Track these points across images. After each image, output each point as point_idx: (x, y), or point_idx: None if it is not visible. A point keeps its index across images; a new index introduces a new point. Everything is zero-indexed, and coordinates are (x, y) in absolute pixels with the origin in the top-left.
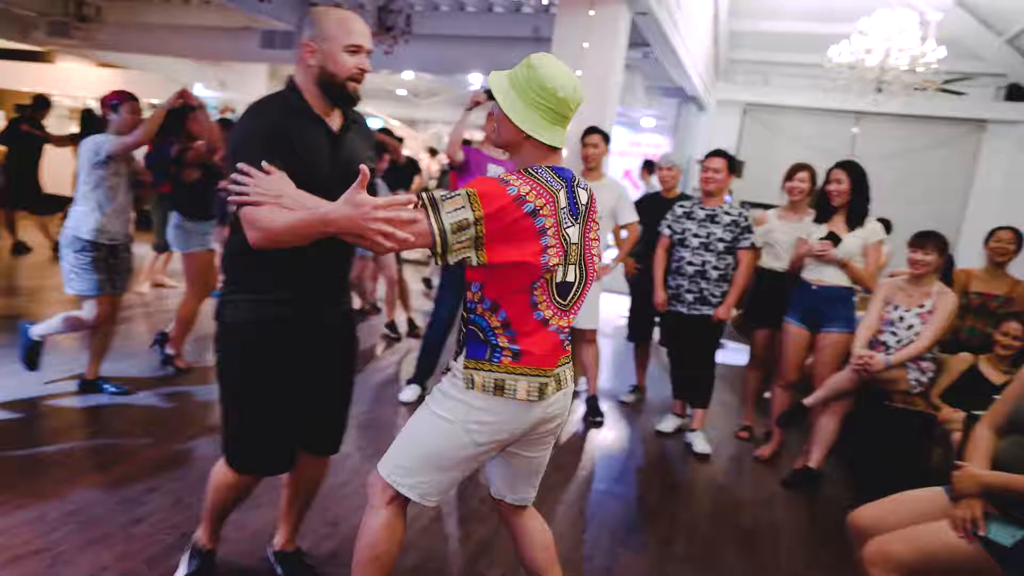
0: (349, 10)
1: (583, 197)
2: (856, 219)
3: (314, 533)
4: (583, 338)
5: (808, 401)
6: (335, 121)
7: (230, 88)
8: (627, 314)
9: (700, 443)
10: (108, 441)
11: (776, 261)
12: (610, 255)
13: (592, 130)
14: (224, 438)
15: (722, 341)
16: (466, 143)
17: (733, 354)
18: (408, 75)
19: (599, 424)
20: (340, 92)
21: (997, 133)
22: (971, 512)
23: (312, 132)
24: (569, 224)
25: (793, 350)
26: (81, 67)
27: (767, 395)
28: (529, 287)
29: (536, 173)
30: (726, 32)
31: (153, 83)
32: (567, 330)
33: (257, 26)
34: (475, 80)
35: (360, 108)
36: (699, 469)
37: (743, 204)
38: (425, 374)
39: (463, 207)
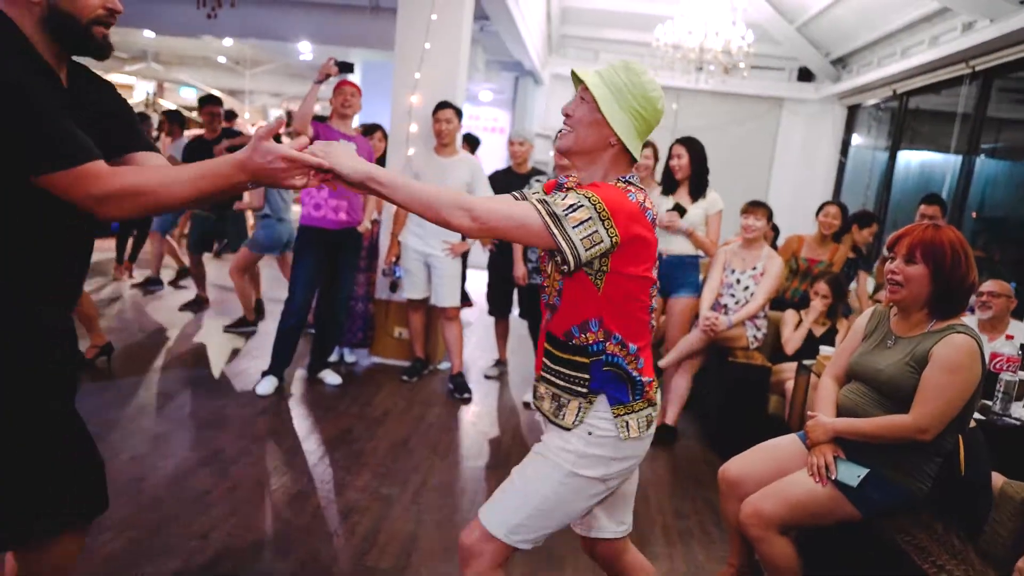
0: None
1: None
2: (698, 191)
3: (183, 548)
4: (444, 315)
5: (662, 363)
6: (61, 76)
7: None
8: (486, 289)
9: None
10: None
11: None
12: None
13: (444, 104)
14: None
15: None
16: (316, 119)
17: None
18: (228, 42)
19: (467, 401)
20: (82, 40)
21: (792, 110)
22: (823, 458)
23: (55, 92)
24: None
25: None
26: None
27: None
28: (647, 306)
29: (631, 181)
30: (558, 8)
31: None
32: None
33: None
34: (304, 49)
35: (176, 76)
36: None
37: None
38: (282, 364)
39: (590, 216)
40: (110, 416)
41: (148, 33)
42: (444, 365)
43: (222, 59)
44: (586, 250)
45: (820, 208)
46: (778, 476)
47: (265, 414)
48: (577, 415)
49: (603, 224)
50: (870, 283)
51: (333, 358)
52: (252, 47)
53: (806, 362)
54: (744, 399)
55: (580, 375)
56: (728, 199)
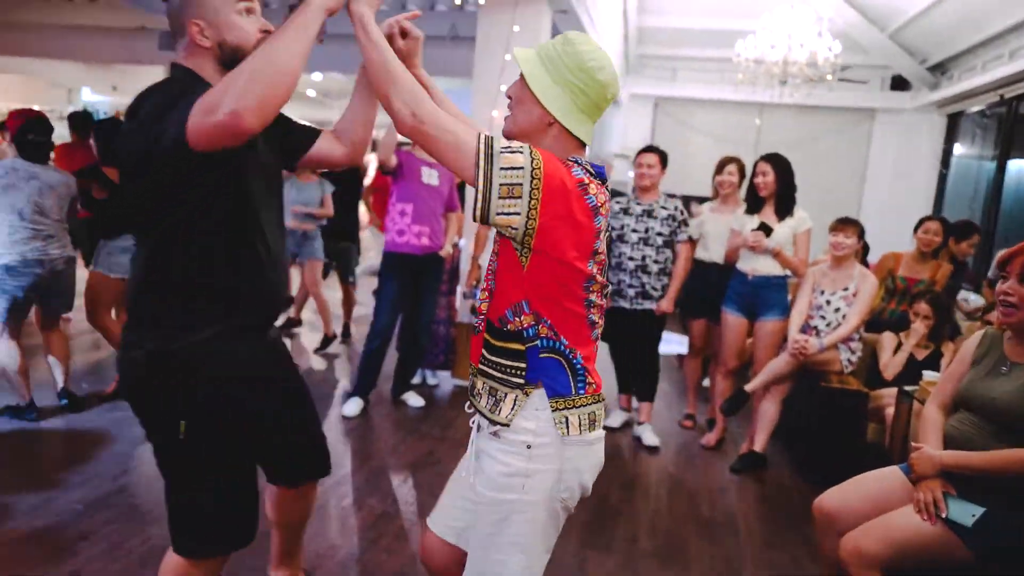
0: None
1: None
2: (785, 209)
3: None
4: None
5: (749, 387)
6: None
7: (123, 92)
8: None
9: (649, 436)
10: (30, 480)
11: (705, 252)
12: None
13: None
14: (186, 524)
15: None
16: (397, 146)
17: (668, 345)
18: (316, 76)
19: None
20: None
21: (884, 121)
22: (931, 494)
23: None
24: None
25: (732, 338)
26: None
27: (705, 383)
28: (584, 303)
29: (582, 163)
30: (635, 28)
31: (34, 88)
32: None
33: (153, 27)
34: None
35: None
36: (651, 462)
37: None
38: (367, 386)
39: (522, 168)
40: None
41: None
42: None
43: (311, 92)
44: (499, 199)
45: (919, 224)
46: (879, 511)
47: (351, 435)
48: (512, 408)
49: (531, 182)
50: (972, 299)
51: (416, 380)
52: (339, 80)
53: (908, 388)
54: (839, 426)
55: (516, 364)
56: (817, 217)
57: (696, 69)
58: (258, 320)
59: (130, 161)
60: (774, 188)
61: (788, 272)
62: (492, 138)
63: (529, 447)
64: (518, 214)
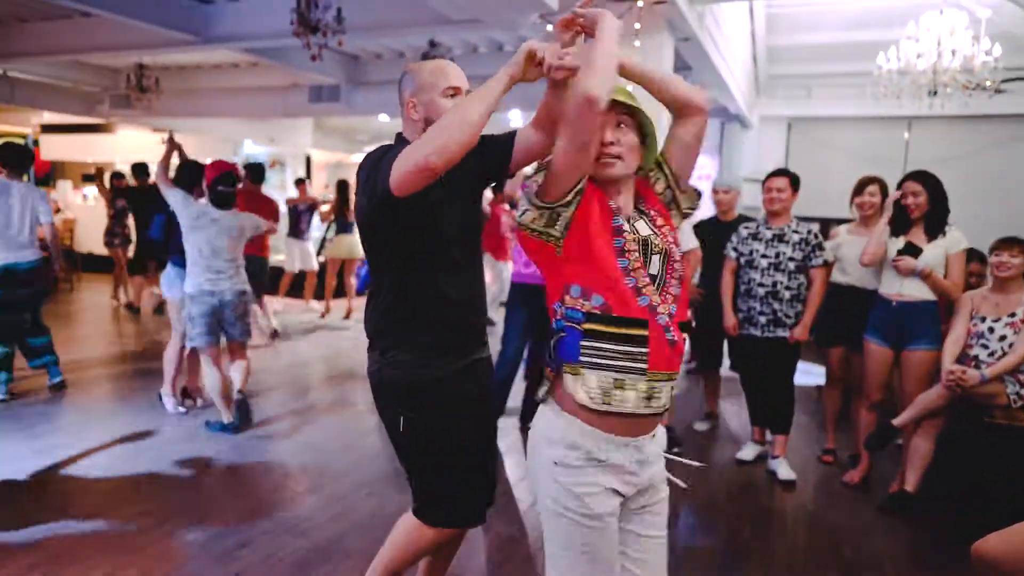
0: (385, 57)
1: None
2: (936, 229)
3: None
4: None
5: (898, 422)
6: None
7: (279, 143)
8: (690, 341)
9: (784, 470)
10: (197, 495)
11: (843, 276)
12: None
13: None
14: (427, 498)
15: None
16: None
17: (805, 375)
18: None
19: (678, 454)
20: None
21: None
22: None
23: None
24: None
25: (876, 369)
26: (139, 134)
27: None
28: None
29: None
30: (764, 48)
31: (205, 143)
32: None
33: (304, 83)
34: (514, 117)
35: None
36: (786, 498)
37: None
38: (496, 413)
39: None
40: (346, 459)
41: (383, 117)
42: None
43: None
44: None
45: None
46: None
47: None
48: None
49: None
50: None
51: None
52: None
53: None
54: (1005, 467)
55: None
56: (981, 237)
57: (832, 85)
58: (454, 346)
59: (359, 216)
60: (927, 208)
61: (941, 296)
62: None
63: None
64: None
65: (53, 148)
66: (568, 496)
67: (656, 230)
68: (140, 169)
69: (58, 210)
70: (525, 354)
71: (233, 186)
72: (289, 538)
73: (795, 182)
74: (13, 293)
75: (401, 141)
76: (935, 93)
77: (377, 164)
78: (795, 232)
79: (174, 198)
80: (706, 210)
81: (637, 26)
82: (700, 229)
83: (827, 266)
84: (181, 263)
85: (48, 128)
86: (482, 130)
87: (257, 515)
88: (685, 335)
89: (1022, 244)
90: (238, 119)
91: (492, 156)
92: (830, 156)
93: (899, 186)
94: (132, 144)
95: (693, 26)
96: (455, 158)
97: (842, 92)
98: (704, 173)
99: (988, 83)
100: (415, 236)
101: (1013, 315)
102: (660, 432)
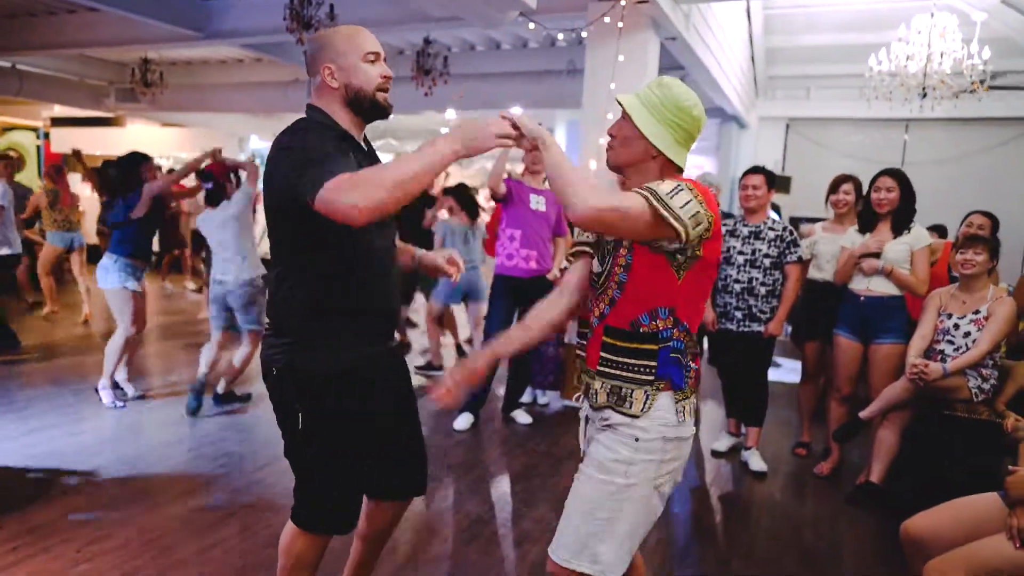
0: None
1: None
2: (901, 226)
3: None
4: None
5: (864, 414)
6: (362, 143)
7: None
8: None
9: (756, 461)
10: (183, 472)
11: (818, 272)
12: None
13: None
14: (302, 500)
15: (776, 360)
16: (508, 176)
17: (786, 371)
18: (451, 114)
19: None
20: (372, 105)
21: None
22: None
23: (357, 153)
24: None
25: (845, 363)
26: (148, 128)
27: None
28: (708, 291)
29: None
30: (762, 49)
31: (212, 138)
32: None
33: (305, 78)
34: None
35: (409, 148)
36: (757, 488)
37: (793, 220)
38: (478, 402)
39: (691, 200)
40: None
41: None
42: None
43: (444, 130)
44: (693, 228)
45: None
46: (971, 538)
47: (458, 446)
48: (645, 403)
49: (701, 206)
50: None
51: (526, 399)
52: (467, 117)
53: None
54: (967, 459)
55: (646, 363)
56: None
57: (831, 87)
58: (374, 330)
59: (274, 202)
60: (896, 204)
61: (907, 292)
62: (649, 187)
63: (637, 440)
64: (703, 224)
65: (63, 141)
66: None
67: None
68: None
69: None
70: None
71: (208, 183)
72: (268, 514)
73: (771, 180)
74: None
75: (318, 114)
76: (925, 95)
77: (300, 165)
78: (771, 229)
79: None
80: None
81: (620, 25)
82: None
83: (802, 263)
84: (121, 252)
85: (58, 121)
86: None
87: (238, 493)
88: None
89: (985, 242)
90: (243, 114)
91: None
92: (828, 157)
93: (872, 182)
94: (142, 137)
95: (678, 26)
96: (383, 214)
97: (840, 93)
98: (698, 173)
99: (975, 87)
100: (330, 224)
101: (977, 312)
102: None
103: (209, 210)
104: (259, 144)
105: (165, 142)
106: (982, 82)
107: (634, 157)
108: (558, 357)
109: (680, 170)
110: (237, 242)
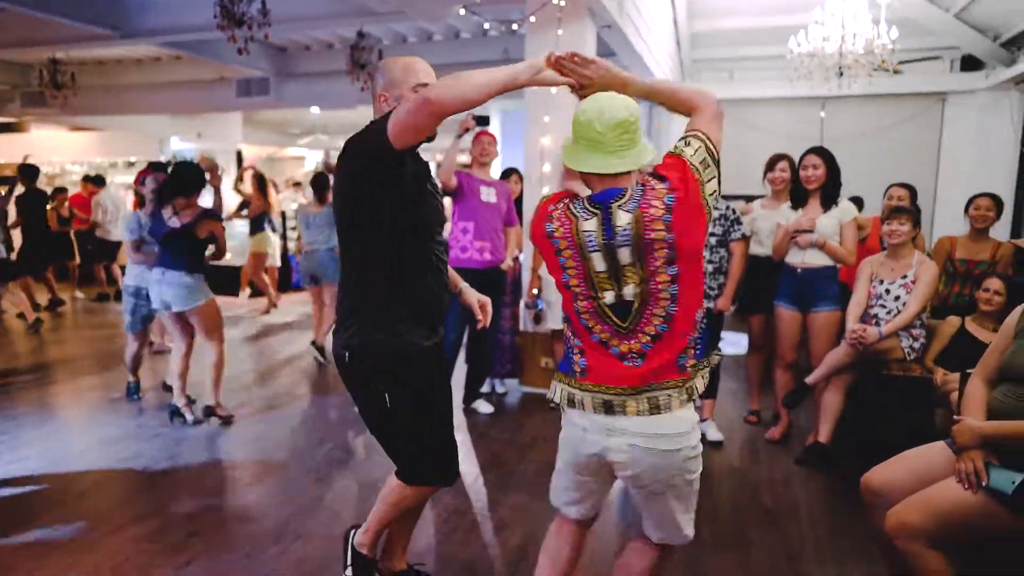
0: (314, 48)
1: (622, 219)
2: (830, 200)
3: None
4: None
5: (810, 379)
6: None
7: (207, 138)
8: None
9: (712, 432)
10: (143, 492)
11: (759, 248)
12: None
13: None
14: (410, 459)
15: (722, 334)
16: (459, 167)
17: (731, 344)
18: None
19: None
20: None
21: (957, 103)
22: (972, 464)
23: (417, 164)
24: (595, 248)
25: (787, 332)
26: (56, 133)
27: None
28: (572, 306)
29: (573, 203)
30: (687, 34)
31: (129, 141)
32: (639, 356)
33: (231, 76)
34: None
35: (340, 144)
36: (714, 456)
37: (723, 198)
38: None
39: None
40: (288, 448)
41: (315, 109)
42: None
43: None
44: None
45: (970, 202)
46: (924, 485)
47: None
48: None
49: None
50: None
51: (485, 389)
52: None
53: (971, 371)
54: (904, 414)
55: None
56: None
57: (753, 68)
58: (427, 323)
59: (344, 197)
60: (824, 180)
61: (836, 263)
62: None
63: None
64: None
65: None
66: None
67: None
68: (29, 172)
69: None
70: (465, 338)
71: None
72: (238, 525)
73: None
74: None
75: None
76: (842, 74)
77: (366, 132)
78: (715, 208)
79: None
80: None
81: (559, 14)
82: None
83: (744, 239)
84: (199, 268)
85: None
86: (485, 102)
87: (205, 507)
88: None
89: (908, 213)
90: (163, 115)
91: None
92: (753, 136)
93: (800, 160)
94: (46, 143)
95: (613, 13)
96: (448, 111)
97: (762, 75)
98: None
99: (887, 64)
100: (405, 214)
101: (905, 277)
102: None
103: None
104: (180, 146)
105: (74, 148)
106: (892, 60)
107: (571, 177)
108: (514, 345)
109: (591, 175)
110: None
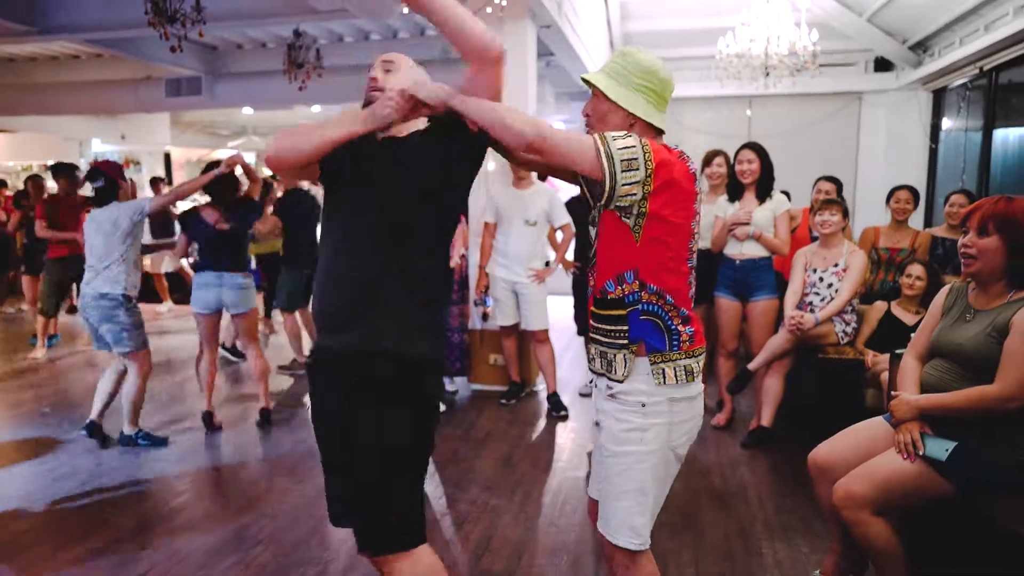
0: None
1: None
2: (764, 194)
3: (319, 559)
4: (535, 338)
5: (752, 366)
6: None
7: (131, 140)
8: (572, 311)
9: None
10: (84, 511)
11: (701, 241)
12: (550, 257)
13: None
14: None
15: None
16: None
17: None
18: (316, 108)
19: (564, 418)
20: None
21: (872, 102)
22: (909, 435)
23: (368, 147)
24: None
25: (728, 321)
26: None
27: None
28: (685, 263)
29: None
30: (620, 34)
31: (44, 144)
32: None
33: (159, 75)
34: None
35: (262, 145)
36: None
37: None
38: None
39: (634, 146)
40: (249, 456)
41: (247, 110)
42: (540, 386)
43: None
44: (622, 171)
45: (890, 194)
46: (867, 458)
47: None
48: (625, 366)
49: (644, 154)
50: None
51: None
52: (339, 111)
53: (899, 352)
54: (839, 394)
55: (619, 327)
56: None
57: (683, 68)
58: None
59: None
60: (758, 174)
61: (772, 253)
62: (602, 134)
63: (644, 405)
64: (638, 181)
65: None
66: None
67: None
68: None
69: None
70: None
71: (96, 181)
72: (194, 535)
73: None
74: None
75: None
76: (768, 74)
77: None
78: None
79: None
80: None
81: (501, 14)
82: (569, 207)
83: None
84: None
85: None
86: (318, 155)
87: (155, 521)
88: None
89: (838, 204)
90: (83, 116)
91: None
92: (685, 134)
93: (735, 155)
94: None
95: (553, 14)
96: (286, 166)
97: (692, 74)
98: None
99: (808, 65)
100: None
101: (836, 265)
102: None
103: (94, 210)
104: (102, 148)
105: None
106: (813, 60)
107: (613, 129)
108: (463, 343)
109: (660, 132)
110: (106, 251)
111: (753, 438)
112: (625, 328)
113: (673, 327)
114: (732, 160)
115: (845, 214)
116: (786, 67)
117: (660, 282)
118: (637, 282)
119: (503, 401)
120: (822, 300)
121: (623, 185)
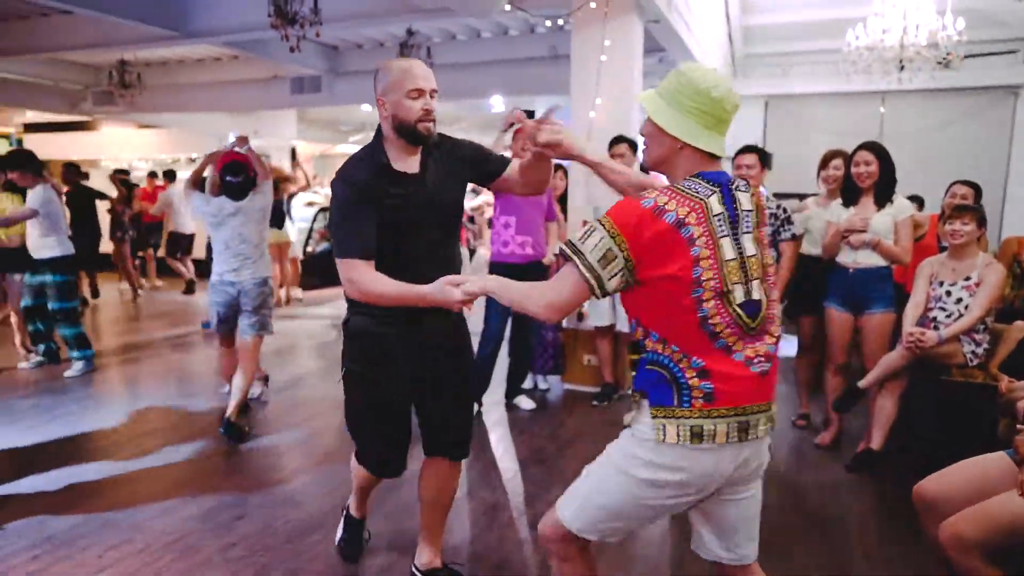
0: (365, 47)
1: (745, 202)
2: (884, 198)
3: (395, 547)
4: (631, 340)
5: (863, 383)
6: (415, 161)
7: (262, 135)
8: None
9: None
10: (193, 475)
11: (812, 247)
12: None
13: (618, 139)
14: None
15: None
16: None
17: (783, 345)
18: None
19: None
20: (413, 135)
21: None
22: None
23: (395, 187)
24: (725, 233)
25: (838, 334)
26: (124, 131)
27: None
28: (694, 314)
29: (678, 184)
30: (739, 28)
31: (191, 138)
32: (767, 361)
33: (285, 75)
34: (496, 103)
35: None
36: None
37: (774, 196)
38: (480, 389)
39: (602, 236)
40: (335, 437)
41: (365, 107)
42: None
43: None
44: (604, 269)
45: None
46: (982, 496)
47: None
48: (632, 413)
49: (614, 240)
50: None
51: (527, 385)
52: (451, 107)
53: None
54: (964, 422)
55: (635, 372)
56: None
57: (808, 63)
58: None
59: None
60: (877, 177)
61: (891, 263)
62: (569, 242)
63: (634, 435)
64: (620, 270)
65: (36, 147)
66: None
67: None
68: (74, 170)
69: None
70: (508, 331)
71: (239, 175)
72: (284, 510)
73: (764, 158)
74: None
75: (377, 132)
76: (903, 68)
77: (336, 222)
78: (765, 208)
79: (196, 202)
80: None
81: (607, 9)
82: None
83: (795, 240)
84: None
85: (31, 127)
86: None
87: (252, 491)
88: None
89: (973, 212)
90: (221, 113)
91: (489, 168)
92: (807, 133)
93: (851, 156)
94: (116, 140)
95: (662, 8)
96: (366, 299)
97: (817, 69)
98: None
99: (952, 57)
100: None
101: (968, 279)
102: None
103: (227, 201)
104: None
105: (141, 145)
106: (959, 52)
107: (663, 153)
108: (558, 341)
109: (715, 157)
110: (260, 237)
111: (859, 461)
112: (634, 373)
113: (683, 380)
114: (849, 161)
115: (981, 223)
116: (925, 60)
117: (663, 328)
118: (641, 328)
119: (595, 403)
120: (948, 316)
121: (609, 280)
